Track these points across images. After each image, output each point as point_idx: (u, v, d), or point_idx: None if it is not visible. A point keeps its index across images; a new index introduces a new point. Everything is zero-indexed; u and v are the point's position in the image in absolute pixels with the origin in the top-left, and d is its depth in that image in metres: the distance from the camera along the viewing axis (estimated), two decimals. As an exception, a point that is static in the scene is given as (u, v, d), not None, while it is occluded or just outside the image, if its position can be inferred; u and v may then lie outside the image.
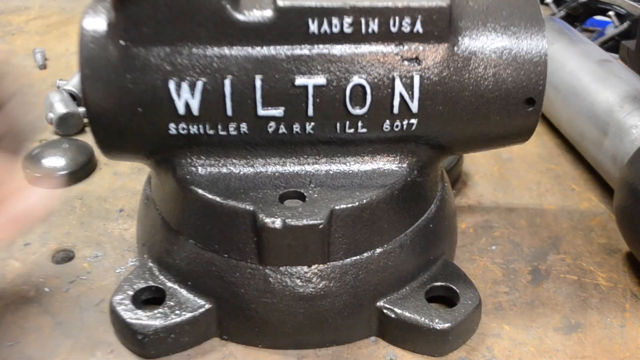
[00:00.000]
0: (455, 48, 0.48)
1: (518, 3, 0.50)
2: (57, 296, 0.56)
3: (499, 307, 0.56)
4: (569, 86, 0.74)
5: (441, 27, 0.47)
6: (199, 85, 0.47)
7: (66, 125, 0.79)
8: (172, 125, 0.48)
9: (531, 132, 0.52)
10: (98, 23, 0.48)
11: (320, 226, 0.47)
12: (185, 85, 0.47)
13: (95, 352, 0.51)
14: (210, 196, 0.49)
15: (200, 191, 0.49)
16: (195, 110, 0.47)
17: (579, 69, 0.74)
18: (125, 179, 0.72)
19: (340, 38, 0.47)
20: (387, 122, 0.49)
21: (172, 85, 0.46)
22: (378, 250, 0.51)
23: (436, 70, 0.48)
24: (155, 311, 0.50)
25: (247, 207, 0.48)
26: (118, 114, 0.48)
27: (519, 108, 0.50)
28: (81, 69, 0.47)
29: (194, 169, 0.51)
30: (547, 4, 1.05)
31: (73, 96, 0.82)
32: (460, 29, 0.49)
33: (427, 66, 0.48)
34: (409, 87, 0.48)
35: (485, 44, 0.49)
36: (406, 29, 0.47)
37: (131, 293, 0.52)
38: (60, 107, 0.79)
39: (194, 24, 0.46)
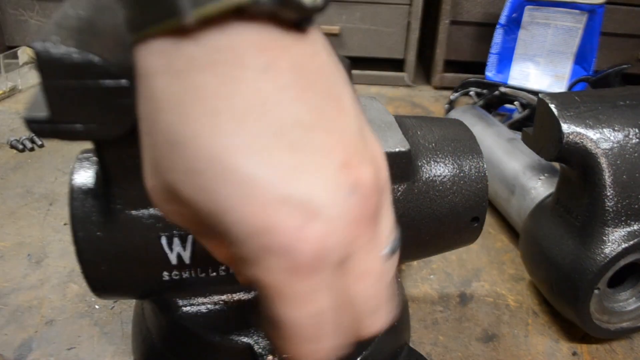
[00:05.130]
0: (415, 184, 0.42)
1: (458, 137, 0.45)
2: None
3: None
4: (486, 157, 0.75)
5: (404, 168, 0.41)
6: (190, 238, 0.38)
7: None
8: (165, 274, 0.39)
9: (474, 240, 0.47)
10: (88, 182, 0.38)
11: None
12: (176, 240, 0.38)
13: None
14: (207, 332, 0.40)
15: (196, 328, 0.40)
16: (187, 259, 0.38)
17: (493, 145, 0.75)
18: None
19: None
20: None
21: (164, 240, 0.37)
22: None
23: (401, 204, 0.42)
24: None
25: (244, 340, 0.40)
26: (112, 268, 0.38)
27: (467, 225, 0.44)
28: (73, 229, 0.37)
29: (186, 308, 0.41)
30: (470, 96, 1.06)
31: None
32: (418, 167, 0.42)
33: (393, 202, 0.40)
34: None
35: (438, 177, 0.43)
36: None
37: None
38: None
39: None
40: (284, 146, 0.19)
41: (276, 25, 0.20)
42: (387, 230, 0.23)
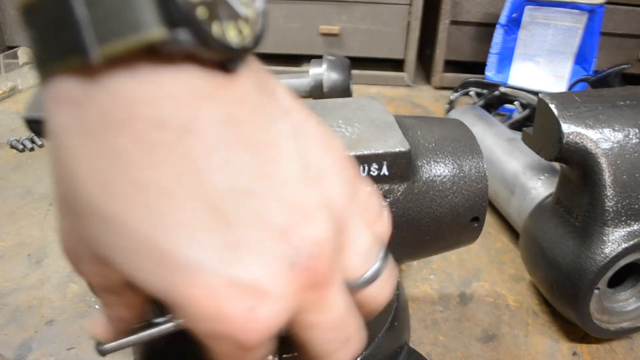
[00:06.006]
0: (415, 184, 0.42)
1: (458, 137, 0.45)
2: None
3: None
4: (486, 157, 0.75)
5: (404, 168, 0.41)
6: None
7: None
8: None
9: (474, 240, 0.47)
10: None
11: None
12: None
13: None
14: None
15: None
16: None
17: (493, 145, 0.75)
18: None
19: None
20: None
21: None
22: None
23: (400, 204, 0.42)
24: None
25: None
26: None
27: (467, 225, 0.44)
28: None
29: None
30: (470, 96, 1.06)
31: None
32: (418, 167, 0.43)
33: (393, 202, 0.41)
34: None
35: (437, 177, 0.43)
36: (374, 172, 0.40)
37: None
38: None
39: None
40: (220, 221, 0.18)
41: (198, 68, 0.18)
42: (357, 260, 0.23)
